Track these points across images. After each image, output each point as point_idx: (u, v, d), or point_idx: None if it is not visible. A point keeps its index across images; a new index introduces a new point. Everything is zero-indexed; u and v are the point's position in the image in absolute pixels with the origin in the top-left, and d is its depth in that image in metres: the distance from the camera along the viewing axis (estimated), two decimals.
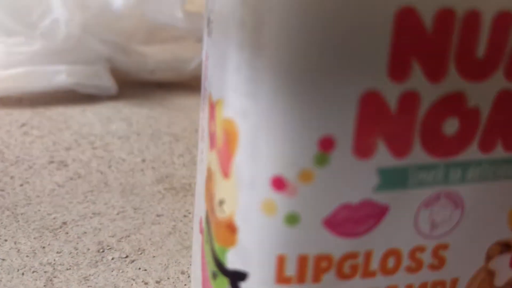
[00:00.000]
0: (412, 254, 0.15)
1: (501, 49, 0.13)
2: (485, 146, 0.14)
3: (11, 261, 0.24)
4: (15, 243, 0.26)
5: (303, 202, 0.13)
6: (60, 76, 0.46)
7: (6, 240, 0.26)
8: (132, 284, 0.23)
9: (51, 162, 0.35)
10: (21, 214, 0.28)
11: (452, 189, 0.14)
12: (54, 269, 0.24)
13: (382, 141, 0.13)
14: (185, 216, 0.29)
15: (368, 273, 0.15)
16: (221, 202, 0.14)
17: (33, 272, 0.24)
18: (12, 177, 0.32)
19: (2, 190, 0.31)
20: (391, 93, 0.13)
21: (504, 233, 0.16)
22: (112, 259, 0.25)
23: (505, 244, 0.16)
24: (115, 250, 0.26)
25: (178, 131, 0.42)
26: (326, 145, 0.13)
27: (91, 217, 0.28)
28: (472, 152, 0.14)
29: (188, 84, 0.52)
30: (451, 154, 0.14)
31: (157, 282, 0.24)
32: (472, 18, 0.13)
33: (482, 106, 0.13)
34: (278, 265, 0.14)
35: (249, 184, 0.13)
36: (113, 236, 0.27)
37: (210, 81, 0.16)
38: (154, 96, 0.49)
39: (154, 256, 0.25)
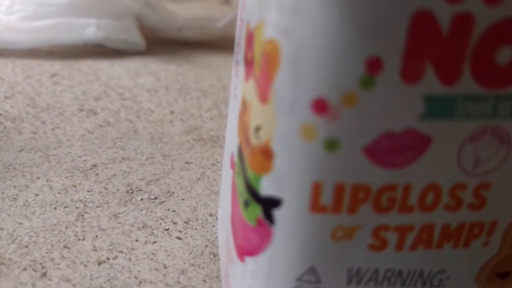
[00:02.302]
0: (452, 191, 0.14)
1: None
2: None
3: (44, 196, 0.25)
4: (47, 180, 0.26)
5: (345, 127, 0.13)
6: (90, 29, 0.46)
7: (38, 178, 0.26)
8: (160, 223, 0.24)
9: (81, 110, 0.35)
10: (53, 155, 0.29)
11: (499, 125, 0.14)
12: (85, 205, 0.24)
13: (430, 66, 0.13)
14: (213, 164, 0.29)
15: (405, 208, 0.14)
16: (257, 129, 0.14)
17: (65, 207, 0.24)
18: (43, 122, 0.33)
19: (34, 133, 0.31)
20: (444, 13, 0.12)
21: None
22: (141, 199, 0.25)
23: None
24: (144, 192, 0.26)
25: (205, 87, 0.42)
26: (373, 66, 0.12)
27: (120, 161, 0.29)
28: None
29: (215, 43, 0.52)
30: (502, 86, 0.13)
31: (186, 222, 0.24)
32: None
33: None
34: (313, 192, 0.14)
35: (289, 107, 0.13)
36: (142, 179, 0.27)
37: (249, 10, 0.15)
38: (181, 53, 0.49)
39: (183, 199, 0.26)
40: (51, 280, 0.20)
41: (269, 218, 0.14)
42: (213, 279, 0.21)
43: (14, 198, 0.24)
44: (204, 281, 0.20)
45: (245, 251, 0.15)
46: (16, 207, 0.24)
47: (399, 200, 0.14)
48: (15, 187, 0.25)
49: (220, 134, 0.33)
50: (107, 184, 0.26)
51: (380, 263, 0.15)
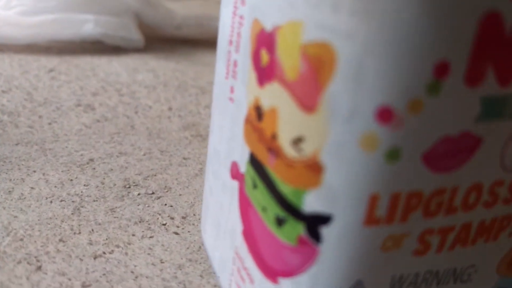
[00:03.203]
0: (492, 188, 0.14)
1: None
2: None
3: (40, 189, 0.24)
4: (43, 174, 0.26)
5: (407, 135, 0.12)
6: (88, 25, 0.45)
7: (35, 171, 0.26)
8: (158, 218, 0.23)
9: (78, 105, 0.35)
10: (49, 149, 0.28)
11: None
12: (81, 199, 0.24)
13: (491, 67, 0.12)
14: None
15: (451, 210, 0.14)
16: (299, 140, 0.13)
17: (61, 201, 0.24)
18: (40, 116, 0.32)
19: (31, 127, 0.31)
20: (510, 15, 0.12)
21: None
22: (138, 194, 0.25)
23: None
24: (141, 187, 0.26)
25: (204, 84, 0.41)
26: (441, 71, 0.12)
27: (117, 156, 0.28)
28: None
29: (213, 41, 0.52)
30: None
31: (183, 217, 0.24)
32: None
33: None
34: (369, 205, 0.13)
35: (347, 116, 0.12)
36: (139, 174, 0.27)
37: (259, 6, 0.15)
38: (180, 50, 0.49)
39: (180, 194, 0.25)
40: (46, 273, 0.19)
41: (315, 236, 0.13)
42: (210, 274, 0.20)
43: (9, 191, 0.24)
44: (201, 276, 0.20)
45: (279, 272, 0.15)
46: (12, 200, 0.23)
47: (446, 203, 0.14)
48: (10, 180, 0.25)
49: None
50: (103, 178, 0.26)
51: (421, 267, 0.14)
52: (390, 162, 0.12)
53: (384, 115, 0.12)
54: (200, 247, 0.22)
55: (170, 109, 0.36)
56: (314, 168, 0.13)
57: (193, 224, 0.23)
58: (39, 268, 0.20)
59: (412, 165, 0.13)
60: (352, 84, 0.12)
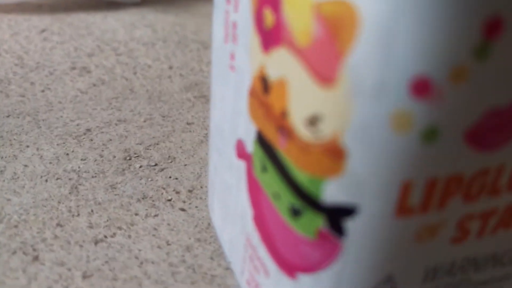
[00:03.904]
0: None
1: None
2: None
3: (34, 167, 0.23)
4: (37, 149, 0.24)
5: (448, 110, 0.10)
6: None
7: (28, 146, 0.24)
8: (162, 193, 0.22)
9: (73, 68, 0.33)
10: (43, 120, 0.26)
11: None
12: (79, 176, 0.22)
13: None
14: None
15: (494, 192, 0.12)
16: (315, 120, 0.11)
17: (57, 179, 0.22)
18: (32, 83, 0.30)
19: (23, 96, 0.29)
20: None
21: None
22: (140, 167, 0.23)
23: None
24: (143, 158, 0.24)
25: (205, 39, 0.39)
26: (493, 30, 0.10)
27: (116, 124, 0.27)
28: None
29: None
30: None
31: (189, 191, 0.22)
32: None
33: None
34: (401, 193, 0.11)
35: (375, 91, 0.10)
36: (140, 144, 0.25)
37: None
38: (179, 2, 0.46)
39: (185, 165, 0.24)
40: (43, 264, 0.18)
41: (338, 230, 0.12)
42: (221, 255, 0.19)
43: (1, 171, 0.22)
44: (211, 258, 0.19)
45: (297, 267, 0.13)
46: (4, 181, 0.22)
47: (489, 185, 0.12)
48: (2, 158, 0.23)
49: None
50: (102, 150, 0.24)
51: (458, 254, 0.13)
52: (427, 144, 0.10)
53: (420, 88, 0.10)
54: (209, 224, 0.20)
55: (170, 67, 0.34)
56: (334, 154, 0.11)
57: (201, 198, 0.21)
58: (36, 258, 0.18)
59: (452, 145, 0.11)
60: (380, 51, 0.10)
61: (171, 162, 0.24)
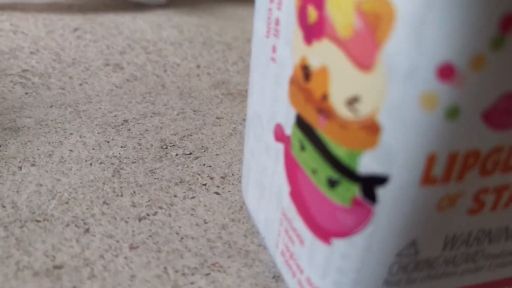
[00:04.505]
0: None
1: None
2: None
3: (79, 152, 0.25)
4: (80, 136, 0.26)
5: (467, 93, 0.12)
6: None
7: (71, 134, 0.26)
8: (197, 179, 0.24)
9: (107, 64, 0.35)
10: (83, 111, 0.28)
11: None
12: (120, 161, 0.24)
13: None
14: (244, 119, 0.29)
15: (507, 168, 0.14)
16: (354, 100, 0.13)
17: (100, 163, 0.24)
18: (71, 77, 0.32)
19: (63, 89, 0.31)
20: None
21: None
22: (176, 155, 0.25)
23: None
24: (178, 147, 0.26)
25: (230, 40, 0.41)
26: (508, 24, 0.11)
27: (151, 116, 0.28)
28: None
29: None
30: None
31: (222, 177, 0.24)
32: None
33: None
34: (427, 164, 0.13)
35: (407, 75, 0.12)
36: (175, 135, 0.27)
37: None
38: (203, 5, 0.48)
39: (217, 154, 0.25)
40: (94, 236, 0.20)
41: (371, 197, 0.13)
42: (254, 234, 0.21)
43: (49, 155, 0.24)
44: (245, 236, 0.20)
45: (332, 233, 0.15)
46: (53, 163, 0.24)
47: (502, 162, 0.13)
48: (49, 143, 0.25)
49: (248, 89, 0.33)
50: (140, 139, 0.26)
51: (474, 226, 0.14)
52: (449, 121, 0.12)
53: (445, 72, 0.12)
54: (241, 207, 0.22)
55: (198, 66, 0.35)
56: (371, 129, 0.13)
57: (233, 184, 0.23)
58: (87, 230, 0.20)
59: (471, 123, 0.12)
60: (412, 41, 0.12)
61: (204, 151, 0.26)
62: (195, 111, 0.29)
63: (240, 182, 0.24)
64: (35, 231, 0.20)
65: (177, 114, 0.29)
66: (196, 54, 0.37)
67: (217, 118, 0.29)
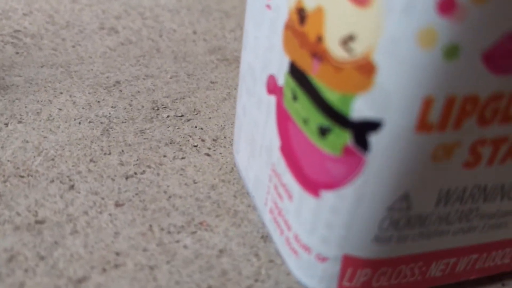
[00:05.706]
0: None
1: None
2: None
3: (68, 111, 0.24)
4: (70, 96, 0.25)
5: (468, 30, 0.11)
6: None
7: (61, 93, 0.25)
8: (188, 140, 0.23)
9: (102, 28, 0.34)
10: (75, 71, 0.28)
11: None
12: (109, 121, 0.24)
13: None
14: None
15: (506, 118, 0.13)
16: (349, 39, 0.12)
17: (90, 122, 0.23)
18: (63, 39, 0.32)
19: (55, 50, 0.30)
20: None
21: None
22: (168, 116, 0.25)
23: None
24: (170, 109, 0.25)
25: (228, 8, 0.40)
26: None
27: (144, 79, 0.28)
28: None
29: None
30: None
31: (214, 140, 0.23)
32: None
33: None
34: (423, 109, 0.12)
35: (405, 9, 0.11)
36: (167, 97, 0.26)
37: None
38: None
39: (210, 118, 0.25)
40: (79, 192, 0.19)
41: (363, 144, 0.13)
42: (243, 194, 0.20)
43: (37, 113, 0.24)
44: (234, 196, 0.20)
45: (321, 184, 0.14)
46: (40, 121, 0.23)
47: (502, 110, 0.13)
48: (38, 101, 0.24)
49: None
50: (131, 100, 0.26)
51: (469, 181, 0.14)
52: (449, 60, 0.12)
53: (446, 6, 0.11)
54: (232, 168, 0.21)
55: (194, 32, 0.35)
56: (365, 69, 0.12)
57: (224, 147, 0.23)
58: (72, 187, 0.19)
59: (471, 64, 0.12)
60: None
61: (196, 114, 0.25)
62: (189, 75, 0.29)
63: (232, 145, 0.23)
64: (18, 186, 0.19)
65: (171, 77, 0.28)
66: (194, 21, 0.37)
67: (211, 82, 0.28)
